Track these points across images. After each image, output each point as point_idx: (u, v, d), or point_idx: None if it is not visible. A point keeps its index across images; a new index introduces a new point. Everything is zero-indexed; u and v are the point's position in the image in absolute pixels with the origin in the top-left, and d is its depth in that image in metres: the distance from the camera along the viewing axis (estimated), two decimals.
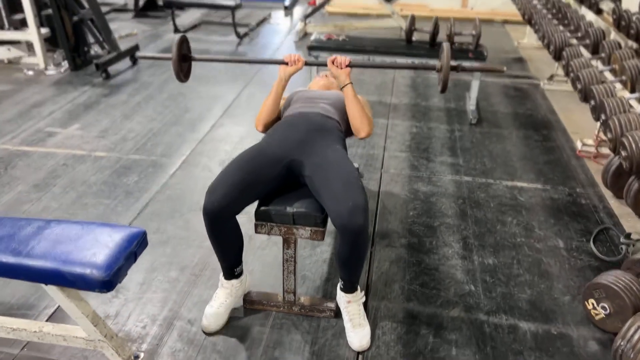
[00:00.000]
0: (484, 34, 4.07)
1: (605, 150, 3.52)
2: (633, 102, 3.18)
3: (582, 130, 3.89)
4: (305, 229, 1.95)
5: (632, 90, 3.26)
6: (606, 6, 4.87)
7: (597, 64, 3.90)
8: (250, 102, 4.34)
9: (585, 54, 4.05)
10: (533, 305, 2.23)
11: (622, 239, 2.62)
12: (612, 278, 2.09)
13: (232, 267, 2.05)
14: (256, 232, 1.99)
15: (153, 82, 4.65)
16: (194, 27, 6.57)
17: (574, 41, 4.30)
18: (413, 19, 4.04)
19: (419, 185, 3.14)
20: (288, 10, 7.61)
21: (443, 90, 2.20)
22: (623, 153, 2.64)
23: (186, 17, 7.12)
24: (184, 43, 2.26)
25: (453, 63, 2.21)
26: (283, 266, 2.07)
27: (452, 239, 2.66)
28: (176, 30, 6.20)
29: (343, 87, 2.22)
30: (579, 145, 3.61)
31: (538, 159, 3.49)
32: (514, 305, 2.23)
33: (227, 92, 4.50)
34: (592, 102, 3.19)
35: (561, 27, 4.69)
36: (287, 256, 2.04)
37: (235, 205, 1.88)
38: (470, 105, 4.12)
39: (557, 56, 4.17)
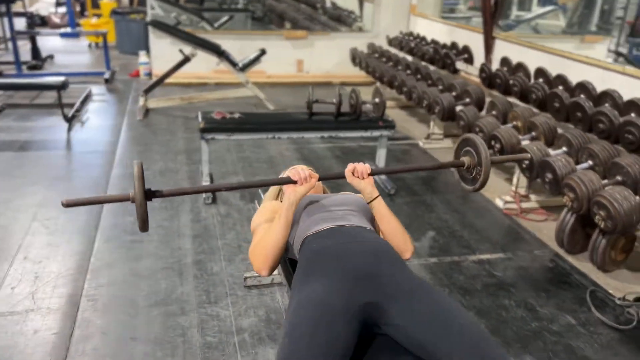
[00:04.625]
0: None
1: (527, 204, 3.56)
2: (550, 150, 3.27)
3: (488, 187, 3.91)
4: None
5: (550, 144, 3.39)
6: (461, 66, 5.22)
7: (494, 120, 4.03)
8: None
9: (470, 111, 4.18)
10: None
11: (617, 301, 2.56)
12: None
13: None
14: None
15: None
16: None
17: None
18: (312, 90, 3.68)
19: None
20: (109, 83, 6.64)
21: (481, 187, 1.83)
22: (602, 213, 2.61)
23: None
24: (143, 172, 1.48)
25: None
26: None
27: None
28: None
29: (370, 201, 1.78)
30: (500, 204, 3.60)
31: (476, 224, 3.36)
32: None
33: None
34: (526, 162, 3.19)
35: (431, 87, 4.83)
36: None
37: None
38: (382, 175, 3.88)
39: (447, 117, 4.23)
